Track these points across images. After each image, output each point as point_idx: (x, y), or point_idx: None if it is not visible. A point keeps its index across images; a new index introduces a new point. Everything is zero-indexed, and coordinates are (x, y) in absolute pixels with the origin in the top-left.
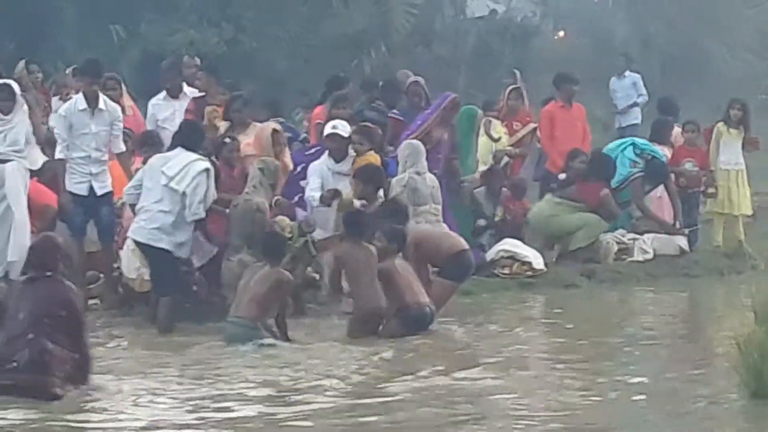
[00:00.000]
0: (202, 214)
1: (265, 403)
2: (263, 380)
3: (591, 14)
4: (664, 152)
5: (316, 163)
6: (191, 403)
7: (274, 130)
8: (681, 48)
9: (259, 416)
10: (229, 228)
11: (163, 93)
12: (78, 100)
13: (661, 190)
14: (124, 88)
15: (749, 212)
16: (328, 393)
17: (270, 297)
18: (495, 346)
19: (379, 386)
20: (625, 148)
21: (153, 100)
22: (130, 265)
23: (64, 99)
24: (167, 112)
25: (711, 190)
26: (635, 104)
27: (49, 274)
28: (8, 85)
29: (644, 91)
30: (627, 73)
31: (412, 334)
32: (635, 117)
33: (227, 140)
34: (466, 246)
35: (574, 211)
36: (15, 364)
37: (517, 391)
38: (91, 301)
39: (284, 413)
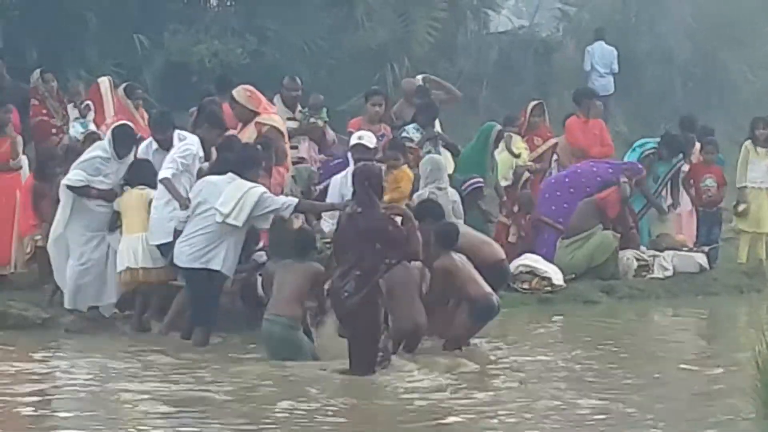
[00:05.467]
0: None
1: None
2: None
3: (613, 30)
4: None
5: (339, 176)
6: None
7: (262, 133)
8: (702, 65)
9: None
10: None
11: None
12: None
13: (681, 206)
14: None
15: None
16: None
17: (306, 291)
18: (511, 362)
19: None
20: (635, 148)
21: None
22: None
23: (79, 107)
24: None
25: (742, 206)
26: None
27: (364, 208)
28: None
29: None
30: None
31: (482, 326)
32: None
33: (259, 148)
34: (504, 255)
35: (586, 240)
36: (346, 294)
37: (530, 410)
38: None
39: None
